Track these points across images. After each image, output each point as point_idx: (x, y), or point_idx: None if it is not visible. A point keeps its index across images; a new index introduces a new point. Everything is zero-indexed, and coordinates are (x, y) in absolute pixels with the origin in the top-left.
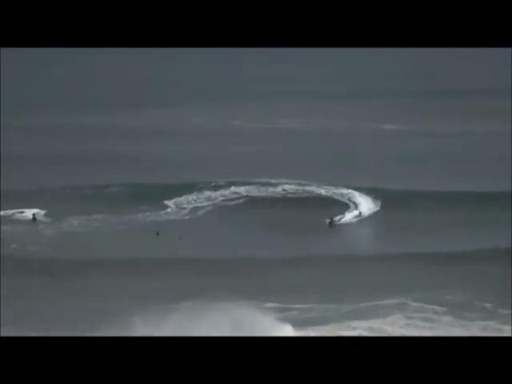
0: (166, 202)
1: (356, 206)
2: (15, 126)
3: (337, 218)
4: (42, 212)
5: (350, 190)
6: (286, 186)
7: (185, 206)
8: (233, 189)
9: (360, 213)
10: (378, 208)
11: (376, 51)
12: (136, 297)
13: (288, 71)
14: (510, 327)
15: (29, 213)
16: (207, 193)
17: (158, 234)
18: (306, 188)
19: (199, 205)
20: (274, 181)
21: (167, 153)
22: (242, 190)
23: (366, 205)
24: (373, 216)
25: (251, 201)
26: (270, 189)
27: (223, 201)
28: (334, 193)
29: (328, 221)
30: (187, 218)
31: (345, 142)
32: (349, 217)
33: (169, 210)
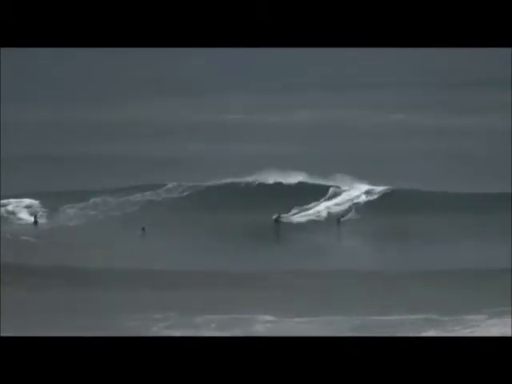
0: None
1: (349, 203)
2: (15, 125)
3: (287, 215)
4: (36, 202)
5: (347, 188)
6: (284, 181)
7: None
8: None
9: (342, 216)
10: (375, 208)
11: (376, 51)
12: (130, 305)
13: (287, 71)
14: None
15: (21, 204)
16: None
17: (143, 229)
18: (304, 184)
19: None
20: (274, 178)
21: (167, 153)
22: (239, 188)
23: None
24: (369, 216)
25: (249, 199)
26: (268, 186)
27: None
28: (330, 189)
29: (274, 217)
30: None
31: (346, 139)
32: (337, 212)
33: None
